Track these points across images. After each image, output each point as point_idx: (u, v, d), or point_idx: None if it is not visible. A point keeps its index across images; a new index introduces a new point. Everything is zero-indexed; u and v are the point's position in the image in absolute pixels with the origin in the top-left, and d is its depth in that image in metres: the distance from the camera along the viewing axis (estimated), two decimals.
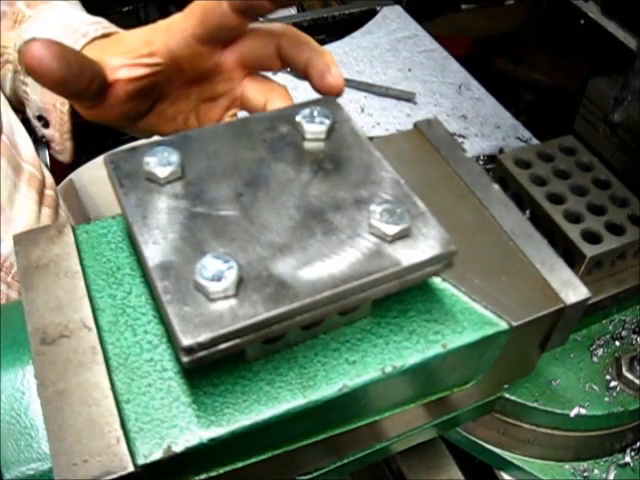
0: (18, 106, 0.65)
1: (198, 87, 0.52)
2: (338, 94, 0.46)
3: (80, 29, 0.56)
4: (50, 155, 1.36)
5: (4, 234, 0.58)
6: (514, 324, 0.36)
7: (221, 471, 0.33)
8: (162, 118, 0.53)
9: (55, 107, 0.58)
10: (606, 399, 0.51)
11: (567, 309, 0.38)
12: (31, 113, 0.61)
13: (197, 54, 0.48)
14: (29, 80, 0.58)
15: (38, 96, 0.58)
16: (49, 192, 0.69)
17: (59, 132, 0.59)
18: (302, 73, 0.47)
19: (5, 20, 0.62)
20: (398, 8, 1.17)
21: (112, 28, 0.57)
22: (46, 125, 0.60)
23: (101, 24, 0.57)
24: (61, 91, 0.44)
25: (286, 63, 0.49)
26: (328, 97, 0.41)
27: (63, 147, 0.60)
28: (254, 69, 0.51)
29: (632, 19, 0.72)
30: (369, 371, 0.33)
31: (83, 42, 0.53)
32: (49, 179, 0.70)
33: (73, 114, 0.58)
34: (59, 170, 1.28)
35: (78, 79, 0.43)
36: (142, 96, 0.49)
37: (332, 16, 1.16)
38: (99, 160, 1.06)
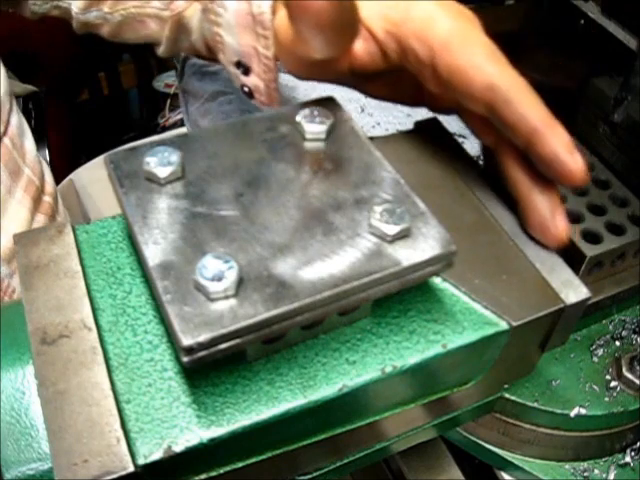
0: (207, 54, 0.57)
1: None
2: (579, 184, 0.35)
3: None
4: (50, 155, 1.36)
5: None
6: (514, 324, 0.36)
7: (221, 471, 0.33)
8: (382, 82, 0.47)
9: (257, 51, 0.50)
10: (606, 399, 0.51)
11: (567, 309, 0.38)
12: (226, 59, 0.53)
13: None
14: (223, 19, 0.51)
15: (235, 39, 0.51)
16: (47, 199, 0.65)
17: (264, 81, 0.52)
18: (519, 140, 0.36)
19: None
20: None
21: None
22: (246, 72, 0.52)
23: None
24: (325, 24, 0.35)
25: (496, 121, 0.37)
26: (328, 97, 0.41)
27: (269, 98, 0.53)
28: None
29: (632, 19, 0.72)
30: (369, 371, 0.33)
31: None
32: (49, 185, 0.66)
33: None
34: (59, 170, 1.29)
35: (349, 12, 0.36)
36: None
37: None
38: (99, 160, 1.06)
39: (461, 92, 0.38)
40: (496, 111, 0.36)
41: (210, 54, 0.57)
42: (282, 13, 0.47)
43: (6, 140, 0.59)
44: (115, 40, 0.63)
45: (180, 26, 0.56)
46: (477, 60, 0.37)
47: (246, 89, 0.54)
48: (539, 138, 0.35)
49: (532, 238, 0.40)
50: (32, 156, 0.63)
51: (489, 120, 0.38)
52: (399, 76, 0.44)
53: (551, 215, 0.37)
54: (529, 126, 0.35)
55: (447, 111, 0.45)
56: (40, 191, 0.64)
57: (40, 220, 0.64)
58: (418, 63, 0.40)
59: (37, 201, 0.63)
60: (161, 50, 0.60)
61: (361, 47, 0.44)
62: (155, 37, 0.59)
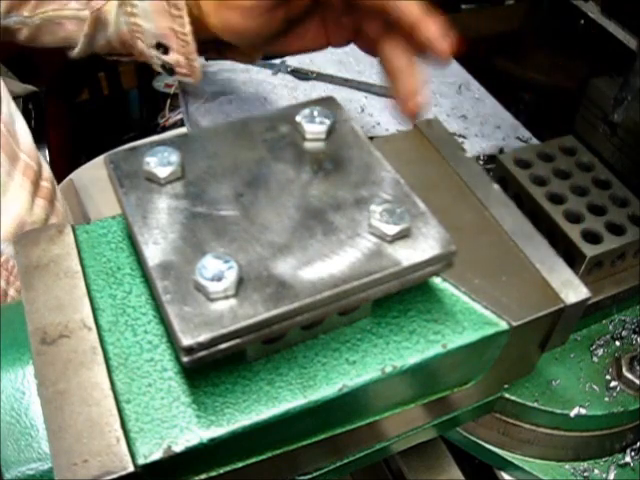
0: (120, 49, 0.63)
1: (330, 16, 0.55)
2: (446, 64, 0.47)
3: None
4: (50, 155, 1.36)
5: None
6: (514, 324, 0.36)
7: (221, 471, 0.33)
8: (291, 37, 0.55)
9: (174, 30, 0.57)
10: (606, 399, 0.51)
11: (567, 309, 0.38)
12: (145, 44, 0.59)
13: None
14: (139, 9, 0.57)
15: (153, 23, 0.57)
16: (44, 184, 0.67)
17: (183, 54, 0.58)
18: (405, 33, 0.47)
19: None
20: None
21: None
22: (166, 51, 0.59)
23: None
24: None
25: (390, 18, 0.48)
26: (328, 97, 0.41)
27: (190, 69, 0.59)
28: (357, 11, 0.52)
29: (632, 19, 0.72)
30: (369, 371, 0.33)
31: None
32: (46, 171, 0.69)
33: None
34: (59, 170, 1.28)
35: None
36: None
37: None
38: (99, 160, 1.06)
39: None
40: (391, 11, 0.47)
41: (124, 48, 0.62)
42: None
43: (2, 126, 0.60)
44: (32, 45, 0.66)
45: (98, 23, 0.60)
46: None
47: (167, 66, 0.60)
48: (419, 26, 0.46)
49: (532, 238, 0.40)
50: (27, 142, 0.65)
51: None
52: (306, 26, 0.55)
53: (417, 88, 0.47)
54: (412, 17, 0.46)
55: (344, 40, 0.57)
56: (38, 176, 0.66)
57: (40, 204, 0.66)
58: None
59: (36, 185, 0.66)
60: (76, 51, 0.63)
61: None
62: (72, 39, 0.63)
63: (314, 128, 0.37)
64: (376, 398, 0.36)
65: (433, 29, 0.46)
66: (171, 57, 0.59)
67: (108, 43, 0.63)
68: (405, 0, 0.47)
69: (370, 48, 0.55)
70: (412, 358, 0.34)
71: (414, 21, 0.46)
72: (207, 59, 0.68)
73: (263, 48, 0.58)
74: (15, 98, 0.66)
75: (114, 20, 0.60)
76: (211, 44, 0.60)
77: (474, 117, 0.93)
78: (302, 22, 0.55)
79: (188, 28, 0.56)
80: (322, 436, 0.36)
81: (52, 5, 0.61)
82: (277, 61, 0.90)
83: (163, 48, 0.58)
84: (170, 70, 0.60)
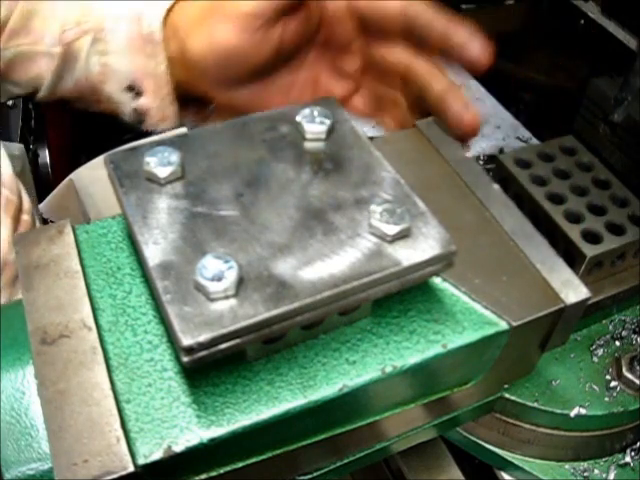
0: (88, 93, 0.58)
1: (329, 55, 0.51)
2: (485, 68, 0.44)
3: None
4: (50, 155, 1.35)
5: None
6: (514, 324, 0.36)
7: (221, 471, 0.33)
8: (277, 86, 0.51)
9: (148, 71, 0.52)
10: (606, 399, 0.51)
11: (567, 309, 0.38)
12: (116, 87, 0.54)
13: (344, 16, 0.48)
14: (112, 47, 0.53)
15: (127, 63, 0.53)
16: (25, 217, 0.64)
17: (158, 97, 0.53)
18: (434, 44, 0.45)
19: None
20: None
21: None
22: (138, 95, 0.54)
23: None
24: None
25: (414, 30, 0.45)
26: (328, 97, 0.41)
27: (163, 114, 0.54)
28: (373, 31, 0.49)
29: (632, 19, 0.72)
30: (369, 371, 0.33)
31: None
32: (26, 203, 0.65)
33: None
34: (59, 170, 1.28)
35: None
36: (290, 35, 0.48)
37: None
38: (99, 160, 1.05)
39: (379, 19, 0.47)
40: (413, 21, 0.45)
41: (91, 93, 0.57)
42: (188, 10, 0.50)
43: None
44: (4, 79, 0.61)
45: (68, 59, 0.56)
46: None
47: (138, 111, 0.55)
48: (451, 32, 0.44)
49: (532, 238, 0.40)
50: (7, 173, 0.61)
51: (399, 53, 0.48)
52: (296, 73, 0.52)
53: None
54: (440, 25, 0.44)
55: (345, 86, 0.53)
56: (19, 210, 0.63)
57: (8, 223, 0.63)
58: (335, 5, 0.48)
59: (16, 220, 0.62)
60: (41, 92, 0.59)
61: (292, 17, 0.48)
62: (44, 77, 0.58)
63: (314, 128, 0.37)
64: (376, 398, 0.36)
65: (464, 31, 0.44)
66: (144, 101, 0.54)
67: (75, 86, 0.58)
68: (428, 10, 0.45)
69: (376, 97, 0.52)
70: (412, 358, 0.34)
71: (444, 28, 0.44)
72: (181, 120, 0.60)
73: (242, 91, 0.51)
74: (15, 98, 0.64)
75: (85, 58, 0.55)
76: (188, 101, 0.55)
77: None
78: (294, 60, 0.51)
79: (163, 68, 0.51)
80: (322, 436, 0.36)
81: (27, 39, 0.56)
82: None
83: (135, 91, 0.54)
84: (140, 118, 0.55)
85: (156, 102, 0.53)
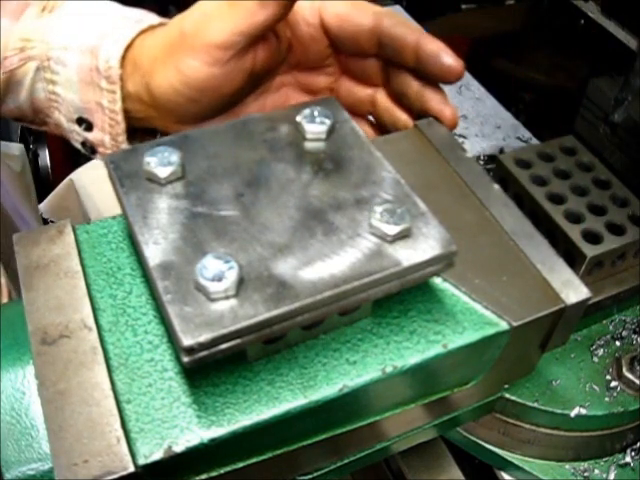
0: (32, 117, 0.55)
1: (300, 75, 0.51)
2: (458, 77, 0.44)
3: (131, 17, 0.50)
4: (50, 155, 1.35)
5: None
6: (514, 324, 0.36)
7: (221, 471, 0.33)
8: (245, 114, 0.49)
9: (101, 106, 0.49)
10: (606, 399, 0.51)
11: (568, 309, 0.38)
12: (65, 117, 0.52)
13: (317, 36, 0.48)
14: (61, 77, 0.50)
15: (76, 95, 0.50)
16: None
17: (110, 134, 0.50)
18: (408, 58, 0.45)
19: (31, 8, 0.53)
20: (398, 8, 1.16)
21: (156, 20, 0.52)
22: (89, 128, 0.51)
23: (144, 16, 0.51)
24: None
25: (386, 47, 0.46)
26: (328, 97, 0.41)
27: (112, 142, 0.52)
28: (347, 51, 0.49)
29: (632, 19, 0.72)
30: (369, 371, 0.33)
31: (138, 29, 0.49)
32: None
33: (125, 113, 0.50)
34: (59, 170, 1.28)
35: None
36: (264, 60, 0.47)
37: None
38: (99, 160, 1.06)
39: (353, 32, 0.47)
40: (386, 36, 0.46)
41: (36, 117, 0.55)
42: (150, 45, 0.47)
43: None
44: None
45: (10, 85, 0.53)
46: (358, 4, 0.47)
47: (88, 145, 0.52)
48: (423, 41, 0.44)
49: (533, 238, 0.40)
50: None
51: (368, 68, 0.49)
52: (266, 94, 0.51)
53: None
54: (413, 37, 0.45)
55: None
56: None
57: None
58: (308, 26, 0.48)
59: None
60: None
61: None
62: None
63: (314, 128, 0.37)
64: (376, 398, 0.36)
65: (437, 43, 0.44)
66: (95, 135, 0.51)
67: (18, 109, 0.55)
68: (402, 22, 0.46)
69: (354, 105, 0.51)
70: (413, 358, 0.34)
71: (416, 39, 0.44)
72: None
73: (209, 123, 0.49)
74: None
75: (29, 85, 0.52)
76: (136, 130, 0.52)
77: (474, 117, 0.93)
78: (263, 84, 0.50)
79: (119, 105, 0.48)
80: (322, 436, 0.35)
81: None
82: None
83: (86, 124, 0.51)
84: (92, 149, 0.52)
85: (108, 138, 0.51)
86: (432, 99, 0.46)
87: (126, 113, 0.49)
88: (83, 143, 0.53)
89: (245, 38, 0.44)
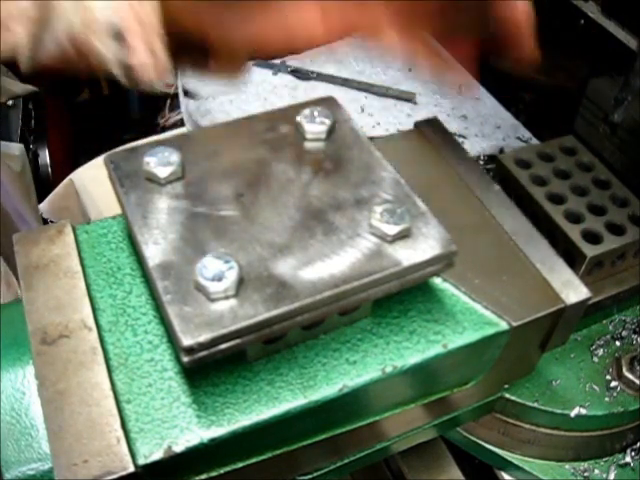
0: (75, 55, 0.50)
1: None
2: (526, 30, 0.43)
3: None
4: (50, 155, 1.35)
5: None
6: (514, 324, 0.36)
7: (221, 471, 0.33)
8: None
9: (134, 10, 0.46)
10: (606, 399, 0.51)
11: (567, 309, 0.38)
12: (103, 38, 0.47)
13: None
14: None
15: (110, 9, 0.46)
16: None
17: (145, 42, 0.46)
18: None
19: None
20: None
21: None
22: (127, 47, 0.47)
23: None
24: None
25: None
26: (328, 97, 0.41)
27: (154, 60, 0.47)
28: None
29: (632, 19, 0.72)
30: (369, 371, 0.33)
31: None
32: None
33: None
34: (59, 170, 1.28)
35: None
36: None
37: None
38: (99, 160, 1.05)
39: None
40: None
41: (78, 54, 0.50)
42: None
43: None
44: None
45: (46, 14, 0.49)
46: None
47: (128, 70, 0.47)
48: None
49: (532, 238, 0.40)
50: None
51: None
52: None
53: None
54: None
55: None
56: None
57: None
58: None
59: None
60: (23, 62, 0.51)
61: None
62: (22, 47, 0.50)
63: (314, 128, 0.37)
64: (376, 398, 0.36)
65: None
66: (130, 47, 0.46)
67: (59, 47, 0.51)
68: None
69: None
70: (412, 358, 0.34)
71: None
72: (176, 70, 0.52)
73: (236, 17, 0.46)
74: (15, 98, 0.63)
75: (64, 13, 0.49)
76: (182, 47, 0.48)
77: (474, 117, 0.93)
78: None
79: (149, 6, 0.45)
80: (322, 436, 0.35)
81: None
82: (277, 61, 0.90)
83: (123, 42, 0.47)
84: (133, 77, 0.48)
85: (143, 47, 0.47)
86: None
87: (164, 18, 0.46)
88: (124, 71, 0.48)
89: None
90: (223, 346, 0.29)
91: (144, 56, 0.47)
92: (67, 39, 0.51)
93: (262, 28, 0.46)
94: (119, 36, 0.47)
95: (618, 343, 0.55)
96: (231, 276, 0.29)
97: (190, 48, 0.49)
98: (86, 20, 0.48)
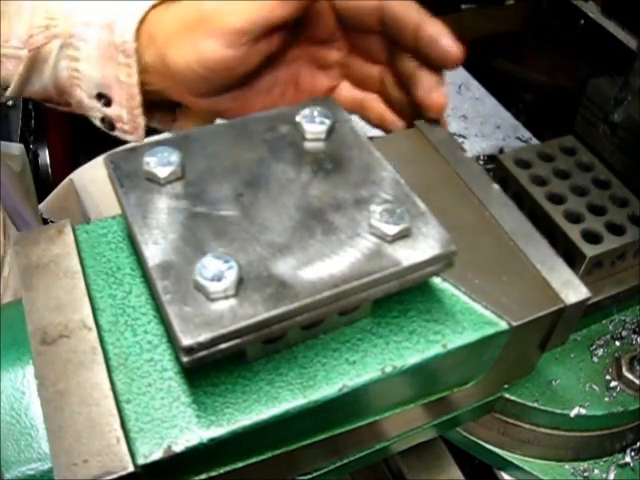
0: (55, 97, 0.57)
1: (311, 49, 0.52)
2: (456, 62, 0.44)
3: None
4: (50, 155, 1.35)
5: None
6: (514, 324, 0.36)
7: (221, 471, 0.33)
8: (259, 88, 0.51)
9: (119, 80, 0.50)
10: (606, 399, 0.51)
11: (567, 309, 0.38)
12: (86, 93, 0.53)
13: (325, 11, 0.49)
14: (82, 54, 0.52)
15: (96, 70, 0.51)
16: None
17: (127, 108, 0.52)
18: (408, 39, 0.45)
19: None
20: None
21: None
22: (107, 104, 0.53)
23: None
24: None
25: (389, 26, 0.46)
26: (328, 97, 0.41)
27: (134, 125, 0.53)
28: (352, 27, 0.50)
29: (632, 19, 0.72)
30: (369, 371, 0.33)
31: (151, 3, 0.50)
32: None
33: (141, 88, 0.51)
34: (59, 170, 1.28)
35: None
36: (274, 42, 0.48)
37: None
38: (99, 160, 1.06)
39: (357, 8, 0.48)
40: (388, 14, 0.46)
41: (61, 97, 0.56)
42: (166, 20, 0.49)
43: None
44: None
45: (35, 63, 0.55)
46: None
47: (107, 120, 0.54)
48: (424, 23, 0.45)
49: (532, 238, 0.40)
50: None
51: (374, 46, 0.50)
52: (279, 71, 0.52)
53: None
54: (414, 18, 0.45)
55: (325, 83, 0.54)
56: None
57: None
58: (319, 6, 0.48)
59: None
60: (8, 93, 0.57)
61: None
62: (10, 79, 0.57)
63: (314, 128, 0.37)
64: (376, 398, 0.36)
65: (439, 26, 0.44)
66: (113, 110, 0.53)
67: (43, 88, 0.56)
68: (406, 5, 0.46)
69: (359, 85, 0.53)
70: (412, 358, 0.34)
71: (418, 21, 0.45)
72: (147, 126, 0.58)
73: (226, 97, 0.51)
74: (15, 98, 0.64)
75: (53, 63, 0.54)
76: (155, 105, 0.54)
77: (474, 117, 0.93)
78: (275, 60, 0.51)
79: (135, 78, 0.50)
80: (322, 436, 0.36)
81: None
82: None
83: (105, 99, 0.52)
84: (110, 125, 0.54)
85: (125, 112, 0.53)
86: (423, 82, 0.46)
87: (144, 86, 0.51)
88: (102, 119, 0.54)
89: (262, 28, 0.45)
90: (223, 346, 0.29)
91: (122, 115, 0.53)
92: (54, 84, 0.55)
93: (247, 103, 0.51)
94: (101, 95, 0.52)
95: (618, 343, 0.55)
96: (231, 276, 0.30)
97: (161, 105, 0.54)
98: (75, 74, 0.53)
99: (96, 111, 0.54)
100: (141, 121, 0.53)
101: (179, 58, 0.47)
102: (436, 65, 0.46)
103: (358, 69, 0.52)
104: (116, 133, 0.55)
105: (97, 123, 0.55)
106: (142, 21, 0.50)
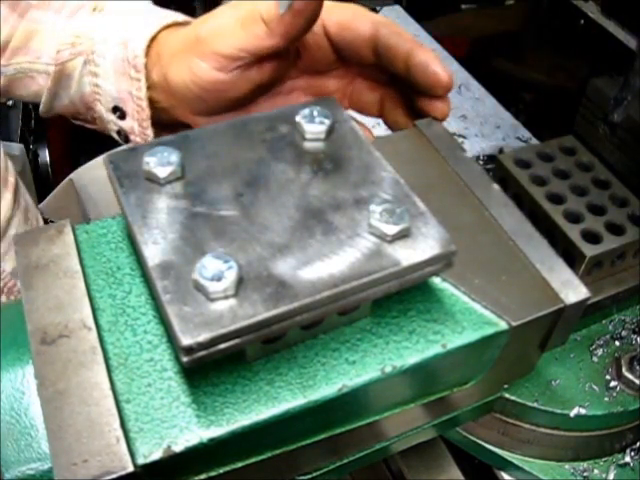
0: (83, 112, 0.61)
1: (310, 79, 0.53)
2: (446, 89, 0.45)
3: (161, 14, 0.55)
4: (50, 155, 1.35)
5: None
6: (514, 324, 0.36)
7: (221, 471, 0.33)
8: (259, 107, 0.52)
9: (131, 95, 0.54)
10: (606, 399, 0.51)
11: (567, 309, 0.38)
12: (104, 107, 0.57)
13: (322, 43, 0.50)
14: (101, 69, 0.55)
15: (113, 85, 0.55)
16: (10, 179, 0.71)
17: (137, 120, 0.55)
18: (400, 67, 0.46)
19: (84, 9, 0.59)
20: (398, 8, 1.17)
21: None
22: (122, 117, 0.56)
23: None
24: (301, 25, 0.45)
25: (382, 56, 0.47)
26: (328, 97, 0.41)
27: (143, 137, 0.57)
28: (348, 58, 0.51)
29: (632, 19, 0.72)
30: (369, 371, 0.33)
31: (162, 24, 0.53)
32: (10, 165, 0.72)
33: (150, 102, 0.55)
34: (59, 170, 1.28)
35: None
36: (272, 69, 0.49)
37: None
38: (99, 160, 1.06)
39: (352, 40, 0.48)
40: (381, 45, 0.47)
41: (87, 112, 0.60)
42: (171, 41, 0.52)
43: None
44: (6, 96, 0.65)
45: (62, 78, 0.59)
46: (359, 13, 0.48)
47: (122, 133, 0.57)
48: (414, 51, 0.45)
49: (532, 238, 0.40)
50: None
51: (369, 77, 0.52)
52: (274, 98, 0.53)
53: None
54: (405, 46, 0.46)
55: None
56: (6, 170, 0.69)
57: (7, 197, 0.69)
58: (313, 34, 0.49)
59: (5, 180, 0.68)
60: (41, 106, 0.62)
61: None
62: (42, 94, 0.61)
63: (314, 128, 0.37)
64: (376, 398, 0.36)
65: (429, 53, 0.45)
66: (126, 123, 0.56)
67: (72, 103, 0.61)
68: (399, 32, 0.47)
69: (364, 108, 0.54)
70: (412, 358, 0.34)
71: (409, 49, 0.45)
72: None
73: (222, 118, 0.51)
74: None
75: (78, 78, 0.58)
76: (165, 126, 0.57)
77: (474, 117, 0.93)
78: (274, 88, 0.53)
79: (144, 92, 0.53)
80: (322, 436, 0.36)
81: (26, 57, 0.60)
82: None
83: (120, 112, 0.56)
84: (125, 137, 0.58)
85: (136, 125, 0.56)
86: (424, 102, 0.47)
87: (154, 104, 0.54)
88: (118, 132, 0.58)
89: (251, 56, 0.47)
90: (222, 346, 0.29)
91: (134, 128, 0.56)
92: (80, 99, 0.60)
93: None
94: (117, 108, 0.56)
95: (618, 343, 0.55)
96: (230, 276, 0.30)
97: (170, 127, 0.56)
98: (96, 89, 0.57)
99: (113, 124, 0.58)
100: (150, 133, 0.56)
101: (177, 77, 0.50)
102: (427, 91, 0.46)
103: (358, 96, 0.53)
104: (130, 144, 0.58)
105: (115, 136, 0.59)
106: (153, 39, 0.53)
